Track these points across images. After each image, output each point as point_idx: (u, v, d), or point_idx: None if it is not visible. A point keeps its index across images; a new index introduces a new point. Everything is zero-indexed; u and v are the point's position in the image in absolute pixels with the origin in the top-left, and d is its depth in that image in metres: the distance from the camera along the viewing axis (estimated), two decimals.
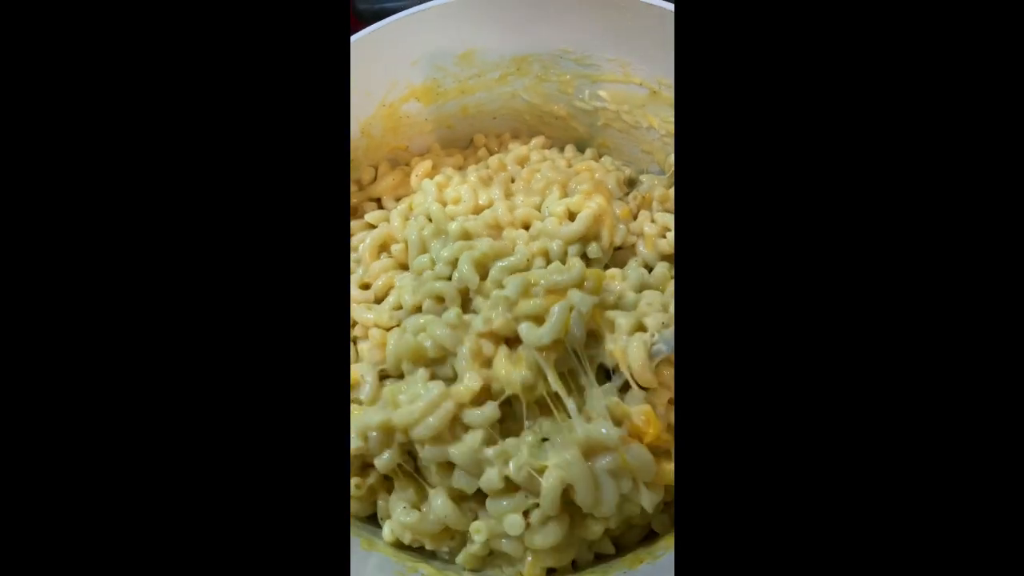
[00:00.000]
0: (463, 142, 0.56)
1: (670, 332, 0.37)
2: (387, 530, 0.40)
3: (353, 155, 0.51)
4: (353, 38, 0.44)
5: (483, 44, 0.48)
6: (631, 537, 0.39)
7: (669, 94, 0.47)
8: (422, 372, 0.39)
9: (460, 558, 0.38)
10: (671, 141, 0.49)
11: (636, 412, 0.36)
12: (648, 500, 0.36)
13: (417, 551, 0.40)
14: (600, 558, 0.39)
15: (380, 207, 0.52)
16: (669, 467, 0.36)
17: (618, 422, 0.36)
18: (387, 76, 0.48)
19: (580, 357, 0.37)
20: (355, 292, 0.46)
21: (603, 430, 0.35)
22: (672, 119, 0.48)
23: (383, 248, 0.47)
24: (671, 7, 0.41)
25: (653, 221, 0.48)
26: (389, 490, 0.40)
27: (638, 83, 0.48)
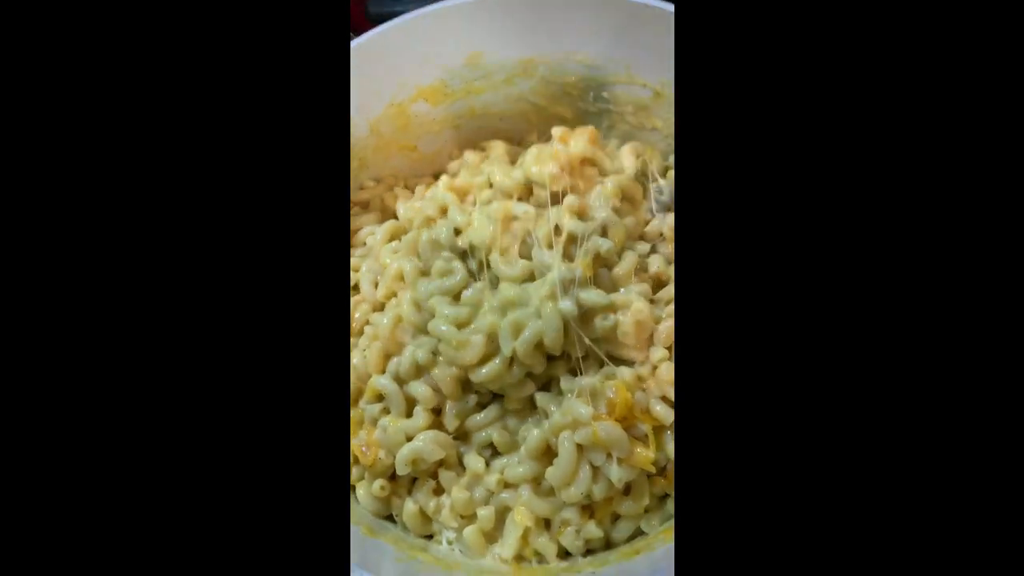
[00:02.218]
0: (469, 144, 0.56)
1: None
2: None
3: (362, 154, 0.52)
4: (360, 39, 0.45)
5: (489, 47, 0.49)
6: (620, 533, 0.40)
7: (671, 93, 0.47)
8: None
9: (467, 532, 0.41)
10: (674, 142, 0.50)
11: (610, 386, 0.39)
12: (616, 474, 0.38)
13: (416, 542, 0.41)
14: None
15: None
16: (646, 452, 0.38)
17: (597, 400, 0.39)
18: (395, 77, 0.49)
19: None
20: (366, 287, 0.48)
21: (580, 410, 0.38)
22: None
23: (394, 237, 0.49)
24: (671, 8, 0.42)
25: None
26: (409, 493, 0.43)
27: (642, 84, 0.48)
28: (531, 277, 0.42)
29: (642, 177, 0.49)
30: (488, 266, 0.42)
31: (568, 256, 0.42)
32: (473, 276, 0.43)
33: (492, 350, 0.41)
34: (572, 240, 0.42)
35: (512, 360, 0.40)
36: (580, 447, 0.39)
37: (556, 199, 0.44)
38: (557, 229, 0.42)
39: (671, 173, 0.48)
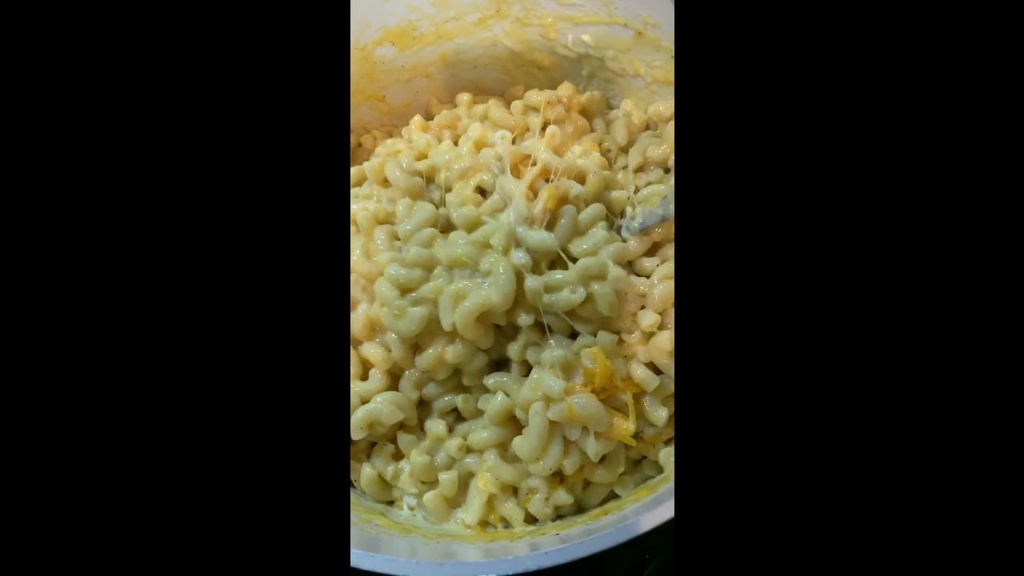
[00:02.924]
0: (447, 95, 0.53)
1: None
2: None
3: None
4: None
5: None
6: (592, 499, 0.38)
7: (655, 34, 0.44)
8: None
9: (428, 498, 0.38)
10: (657, 89, 0.47)
11: (587, 354, 0.36)
12: (592, 448, 0.35)
13: (375, 506, 0.38)
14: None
15: None
16: (625, 425, 0.35)
17: (570, 372, 0.35)
18: (359, 15, 0.46)
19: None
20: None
21: (550, 383, 0.35)
22: (657, 64, 0.46)
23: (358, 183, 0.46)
24: None
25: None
26: (367, 457, 0.40)
27: (622, 23, 0.45)
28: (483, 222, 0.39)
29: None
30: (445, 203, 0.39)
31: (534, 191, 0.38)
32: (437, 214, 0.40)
33: (434, 323, 0.37)
34: (545, 177, 0.39)
35: (454, 336, 0.37)
36: (552, 422, 0.35)
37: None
38: (529, 159, 0.39)
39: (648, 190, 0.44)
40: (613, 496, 0.37)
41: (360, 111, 0.51)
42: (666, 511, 0.28)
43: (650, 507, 0.29)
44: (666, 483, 0.34)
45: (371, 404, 0.38)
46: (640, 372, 0.37)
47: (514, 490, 0.38)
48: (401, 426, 0.39)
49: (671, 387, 0.36)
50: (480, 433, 0.38)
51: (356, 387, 0.39)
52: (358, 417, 0.38)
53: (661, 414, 0.36)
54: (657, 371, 0.37)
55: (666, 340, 0.36)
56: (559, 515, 0.38)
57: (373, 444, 0.40)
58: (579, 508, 0.38)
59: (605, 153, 0.45)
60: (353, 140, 0.52)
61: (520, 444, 0.36)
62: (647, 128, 0.48)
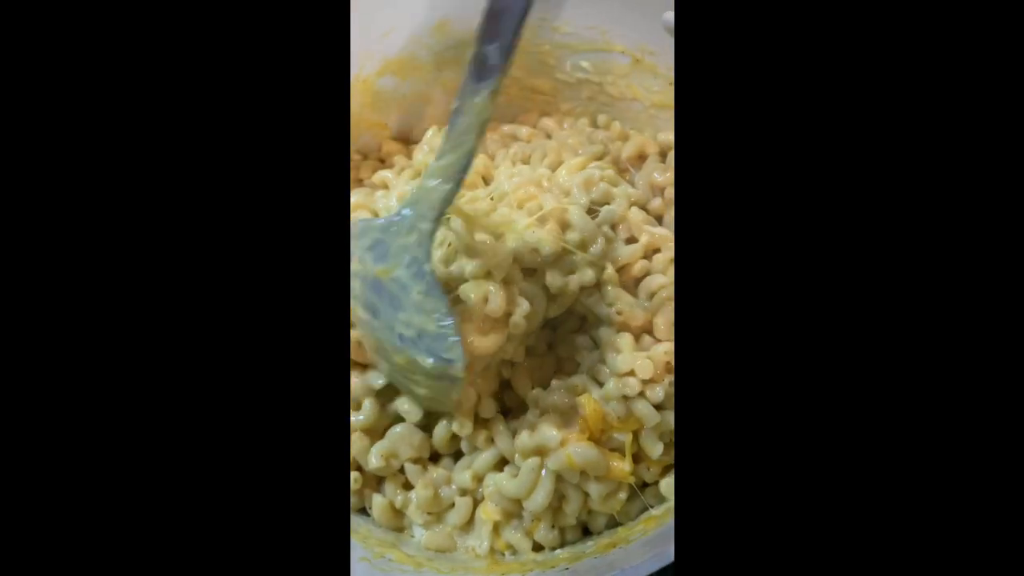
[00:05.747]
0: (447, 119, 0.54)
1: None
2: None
3: None
4: None
5: (458, 14, 0.46)
6: (596, 521, 0.38)
7: (652, 61, 0.45)
8: None
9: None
10: (656, 113, 0.48)
11: (580, 402, 0.36)
12: (596, 491, 0.36)
13: (386, 537, 0.39)
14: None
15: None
16: (621, 465, 0.36)
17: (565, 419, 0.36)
18: (361, 47, 0.46)
19: None
20: None
21: (548, 432, 0.36)
22: (656, 89, 0.46)
23: None
24: None
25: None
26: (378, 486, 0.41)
27: (620, 51, 0.46)
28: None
29: None
30: None
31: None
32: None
33: None
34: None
35: None
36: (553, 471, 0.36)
37: None
38: None
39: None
40: (616, 523, 0.38)
41: (363, 139, 0.52)
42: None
43: (655, 545, 0.30)
44: (670, 516, 0.35)
45: (388, 438, 0.39)
46: (642, 407, 0.36)
47: (520, 516, 0.39)
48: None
49: (671, 422, 0.37)
50: (483, 456, 0.39)
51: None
52: (379, 448, 0.39)
53: (657, 448, 0.36)
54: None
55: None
56: (564, 541, 0.38)
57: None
58: (585, 530, 0.39)
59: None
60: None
61: (511, 486, 0.37)
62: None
